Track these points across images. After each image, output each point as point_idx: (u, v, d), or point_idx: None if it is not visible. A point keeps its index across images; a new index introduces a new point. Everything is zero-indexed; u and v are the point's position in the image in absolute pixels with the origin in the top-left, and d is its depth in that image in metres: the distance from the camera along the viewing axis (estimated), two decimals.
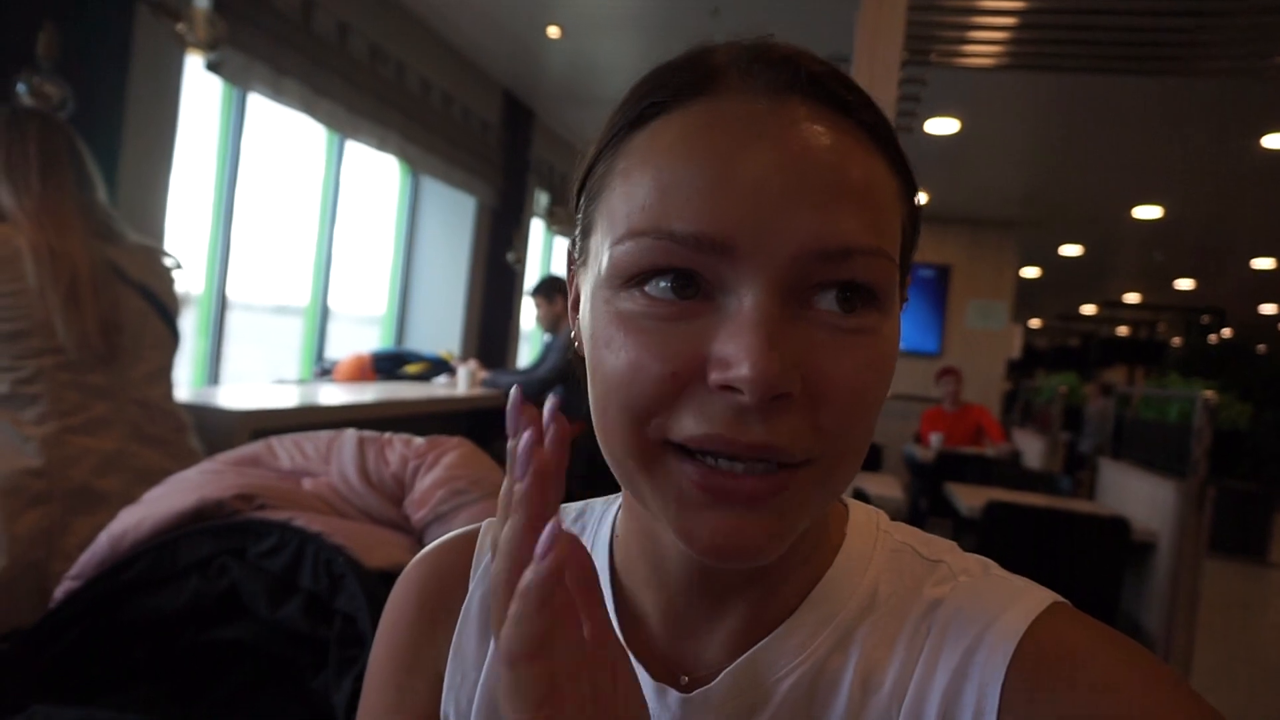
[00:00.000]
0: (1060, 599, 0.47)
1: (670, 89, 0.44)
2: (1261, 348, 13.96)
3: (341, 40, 3.53)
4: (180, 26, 2.54)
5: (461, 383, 3.98)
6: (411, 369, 4.17)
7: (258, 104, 3.44)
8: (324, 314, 4.19)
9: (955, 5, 1.91)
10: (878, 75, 1.70)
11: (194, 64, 2.85)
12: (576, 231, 0.50)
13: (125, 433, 1.59)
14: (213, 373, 3.39)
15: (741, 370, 0.38)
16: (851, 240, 0.41)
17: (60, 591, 1.15)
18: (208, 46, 2.62)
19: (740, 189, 0.40)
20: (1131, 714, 0.41)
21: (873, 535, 0.53)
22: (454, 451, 1.21)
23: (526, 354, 6.19)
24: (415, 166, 4.40)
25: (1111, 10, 1.94)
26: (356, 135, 3.75)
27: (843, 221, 0.41)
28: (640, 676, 0.49)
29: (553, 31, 4.28)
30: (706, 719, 0.49)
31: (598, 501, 0.61)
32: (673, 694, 0.49)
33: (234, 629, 1.06)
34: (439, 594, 0.58)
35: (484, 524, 0.61)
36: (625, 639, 0.50)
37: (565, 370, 3.98)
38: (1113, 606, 3.17)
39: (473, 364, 4.05)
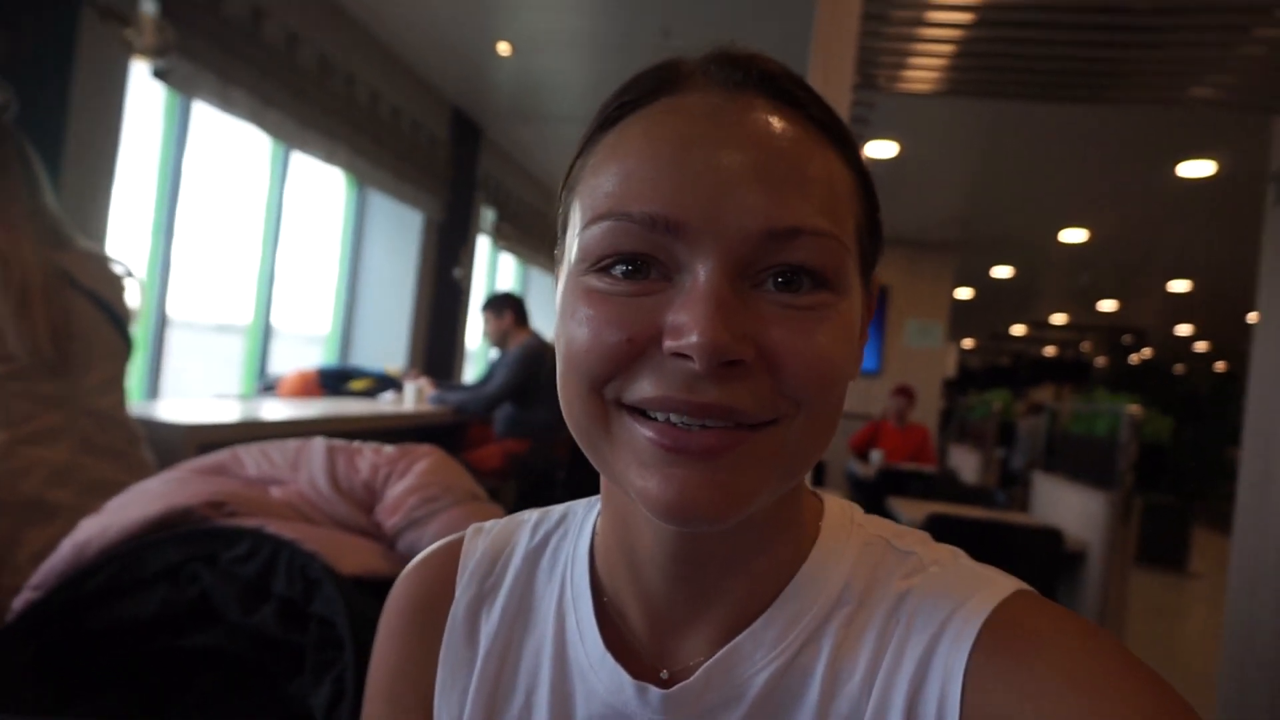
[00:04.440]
0: (1026, 587, 0.48)
1: (638, 90, 0.47)
2: (1179, 368, 14.61)
3: (290, 50, 3.50)
4: (128, 32, 2.50)
5: (408, 399, 3.94)
6: (357, 385, 4.12)
7: (201, 115, 3.37)
8: (267, 332, 4.11)
9: (900, 33, 2.00)
10: (831, 98, 1.76)
11: (139, 71, 2.80)
12: (559, 226, 0.53)
13: (77, 444, 1.56)
14: (151, 389, 3.30)
15: (691, 338, 0.40)
16: (800, 220, 0.43)
17: (19, 602, 1.12)
18: (155, 53, 2.59)
19: (694, 173, 0.43)
20: (1094, 695, 0.41)
21: (847, 529, 0.54)
22: (425, 459, 1.21)
23: (471, 371, 6.16)
24: (363, 180, 4.36)
25: (1044, 40, 2.05)
26: (305, 147, 3.71)
27: (791, 203, 0.43)
28: (620, 675, 0.51)
29: (503, 48, 4.30)
30: (685, 714, 0.50)
31: (579, 504, 0.62)
32: (653, 691, 0.50)
33: (206, 635, 1.05)
34: (427, 605, 0.60)
35: (469, 530, 0.62)
36: (605, 640, 0.52)
37: (514, 387, 3.98)
38: None
39: (422, 381, 4.02)
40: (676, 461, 0.42)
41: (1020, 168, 5.46)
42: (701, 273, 0.42)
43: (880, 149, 5.06)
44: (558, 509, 0.62)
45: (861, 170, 0.49)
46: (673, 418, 0.43)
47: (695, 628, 0.52)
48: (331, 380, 4.00)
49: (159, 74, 2.83)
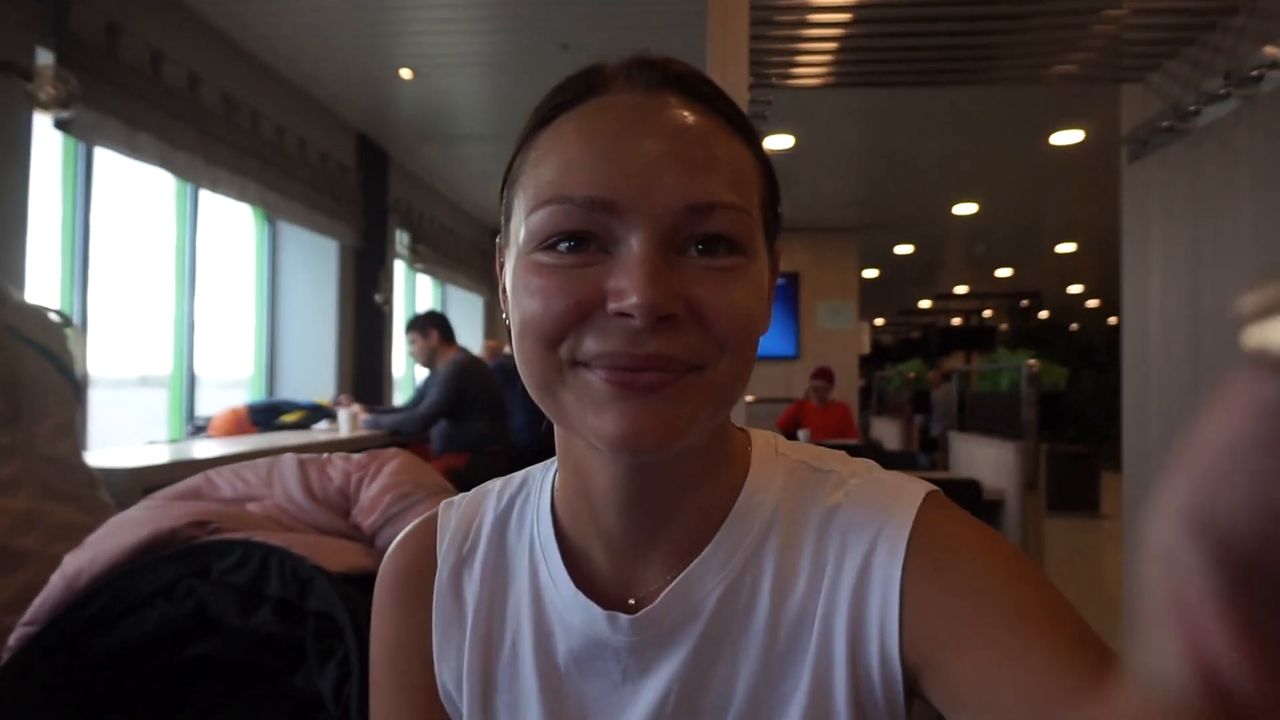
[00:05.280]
0: (932, 488, 0.57)
1: (569, 93, 0.54)
2: (1074, 326, 15.42)
3: (194, 91, 3.49)
4: (30, 86, 2.49)
5: (344, 425, 3.96)
6: (289, 418, 4.10)
7: (102, 163, 3.30)
8: (190, 378, 4.05)
9: (786, 34, 2.16)
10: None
11: (40, 123, 2.78)
12: (501, 218, 0.59)
13: (37, 491, 1.59)
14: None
15: (631, 299, 0.47)
16: (715, 196, 0.50)
17: (14, 639, 1.16)
18: (59, 105, 2.58)
19: (624, 160, 0.50)
20: (997, 576, 0.51)
21: (773, 458, 0.61)
22: (394, 460, 1.30)
23: (401, 395, 6.15)
24: (276, 214, 4.35)
25: (917, 32, 2.24)
26: (215, 187, 3.69)
27: (707, 183, 0.50)
28: (592, 609, 0.58)
29: (404, 73, 4.35)
30: (651, 634, 0.57)
31: (537, 469, 0.68)
32: (622, 618, 0.57)
33: (206, 644, 1.10)
34: (415, 576, 0.66)
35: (440, 505, 0.69)
36: (575, 580, 0.59)
37: (447, 404, 4.04)
38: None
39: (355, 406, 4.04)
40: (626, 398, 0.49)
41: (910, 149, 5.76)
42: (635, 244, 0.49)
43: (778, 141, 5.29)
44: (518, 475, 0.69)
45: (762, 155, 0.56)
46: (621, 370, 0.49)
47: (651, 557, 0.59)
48: (262, 415, 3.98)
49: (61, 125, 2.81)
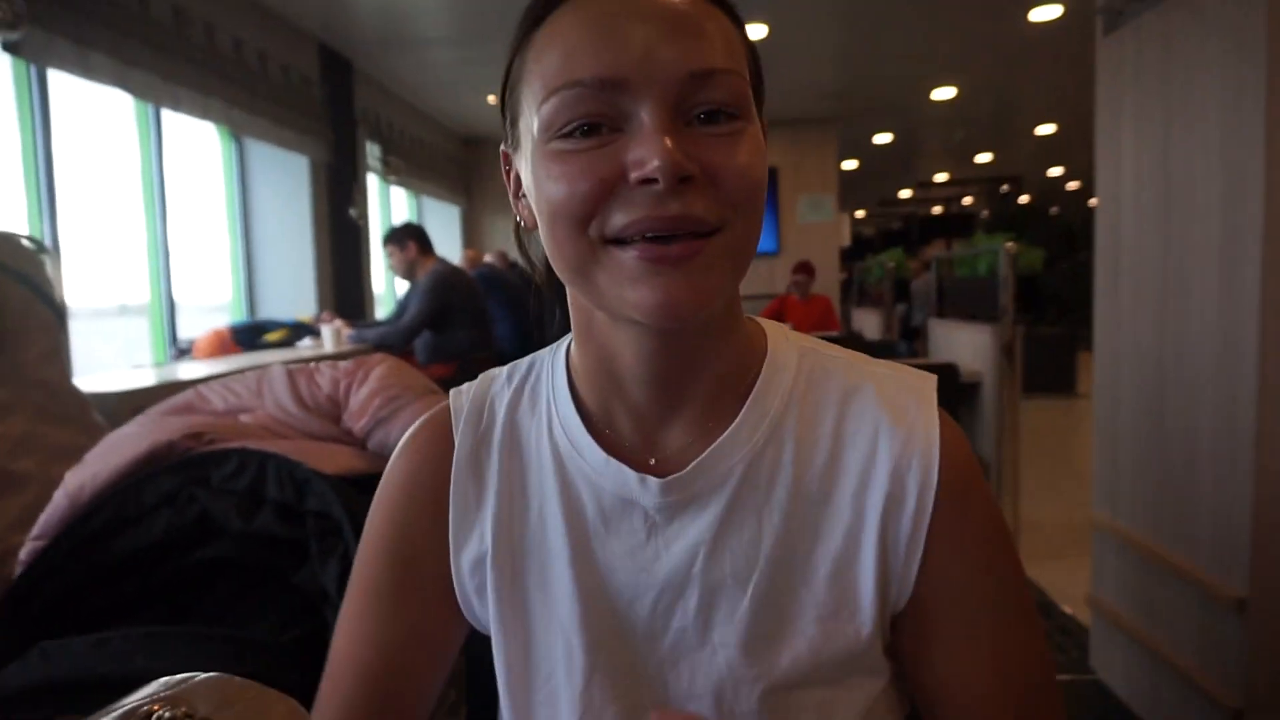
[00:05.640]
0: (931, 379, 0.65)
1: None
2: (1054, 209, 15.39)
3: (143, 5, 3.36)
4: None
5: (328, 341, 3.98)
6: (272, 336, 4.11)
7: (59, 89, 3.20)
8: (170, 306, 4.02)
9: None
10: None
11: None
12: (506, 125, 0.62)
13: (31, 414, 1.62)
14: None
15: (653, 163, 0.50)
16: (714, 63, 0.53)
17: (25, 553, 1.21)
18: (6, 26, 2.50)
19: (626, 40, 0.52)
20: (994, 520, 0.62)
21: (785, 341, 0.67)
22: (381, 365, 1.33)
23: (381, 309, 6.15)
24: (242, 131, 4.26)
25: None
26: (177, 105, 3.59)
27: (705, 52, 0.53)
28: (624, 471, 0.62)
29: None
30: (679, 497, 0.61)
31: (542, 353, 0.72)
32: (652, 480, 0.61)
33: (211, 548, 1.15)
34: (429, 465, 0.68)
35: (450, 393, 0.72)
36: (603, 447, 0.63)
37: (430, 314, 4.05)
38: None
39: (337, 322, 4.05)
40: (659, 271, 0.52)
41: (884, 34, 5.63)
42: (646, 117, 0.52)
43: (750, 32, 5.15)
44: (523, 360, 0.72)
45: (744, 33, 0.60)
46: (648, 235, 0.52)
47: (673, 423, 0.63)
48: (245, 335, 3.99)
49: (10, 47, 2.72)
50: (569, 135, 0.53)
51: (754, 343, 0.66)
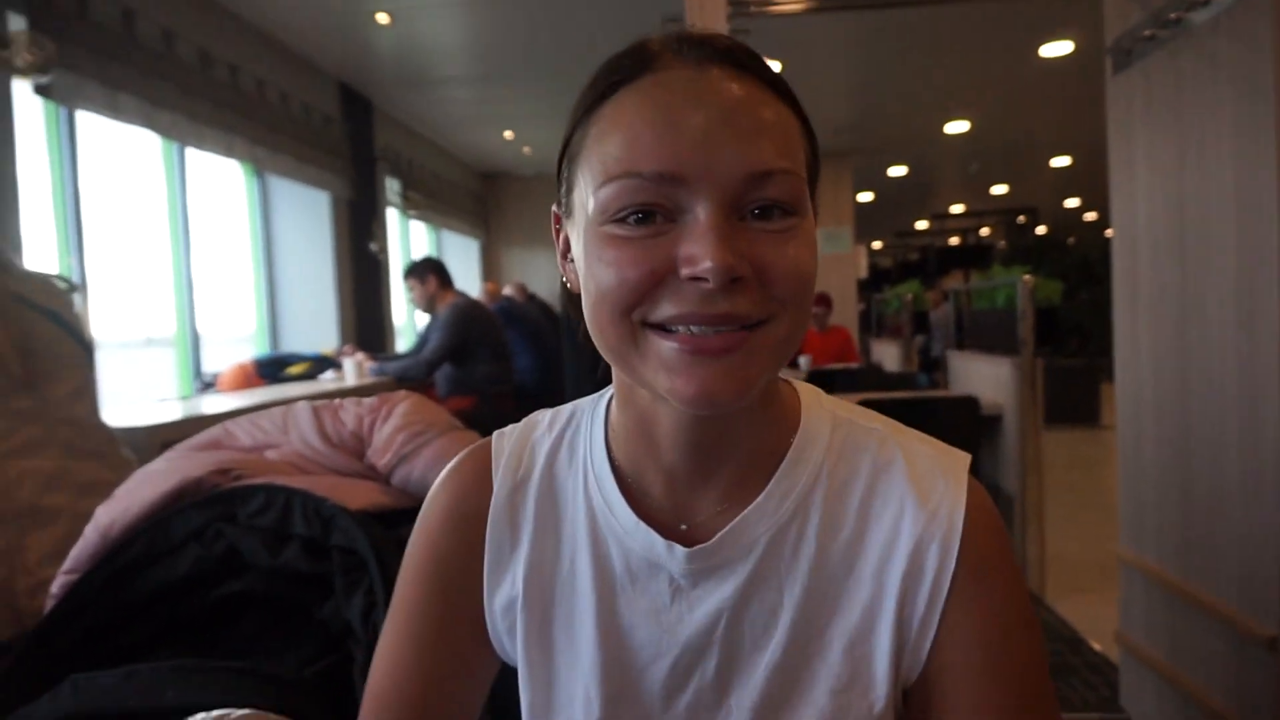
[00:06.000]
0: (964, 459, 0.65)
1: (624, 70, 0.57)
2: (1071, 240, 15.36)
3: (169, 47, 3.46)
4: (5, 53, 2.48)
5: (350, 374, 4.02)
6: (295, 370, 4.17)
7: (86, 129, 3.28)
8: (195, 339, 4.09)
9: None
10: (709, 25, 1.91)
11: (19, 90, 2.76)
12: (561, 191, 0.63)
13: (61, 451, 1.64)
14: None
15: (706, 263, 0.51)
16: (770, 164, 0.54)
17: (57, 587, 1.23)
18: (37, 70, 2.56)
19: (686, 135, 0.53)
20: (1014, 601, 0.61)
21: (819, 410, 0.67)
22: (404, 402, 1.35)
23: (402, 342, 6.20)
24: (265, 168, 4.34)
25: None
26: (201, 144, 3.68)
27: (762, 151, 0.54)
28: (652, 536, 0.63)
29: (381, 18, 4.29)
30: (705, 565, 0.62)
31: (584, 403, 0.72)
32: (679, 549, 0.62)
33: (239, 582, 1.17)
34: (467, 501, 0.70)
35: (493, 435, 0.73)
36: (634, 507, 0.64)
37: (450, 347, 4.09)
38: (973, 473, 3.61)
39: (359, 355, 4.09)
40: (698, 362, 0.53)
41: (898, 70, 5.69)
42: (702, 213, 0.53)
43: None
44: (565, 408, 0.73)
45: (802, 114, 0.60)
46: (692, 329, 0.53)
47: (705, 490, 0.64)
48: (269, 368, 4.04)
49: (41, 90, 2.79)
50: (623, 220, 0.54)
51: (788, 412, 0.67)
